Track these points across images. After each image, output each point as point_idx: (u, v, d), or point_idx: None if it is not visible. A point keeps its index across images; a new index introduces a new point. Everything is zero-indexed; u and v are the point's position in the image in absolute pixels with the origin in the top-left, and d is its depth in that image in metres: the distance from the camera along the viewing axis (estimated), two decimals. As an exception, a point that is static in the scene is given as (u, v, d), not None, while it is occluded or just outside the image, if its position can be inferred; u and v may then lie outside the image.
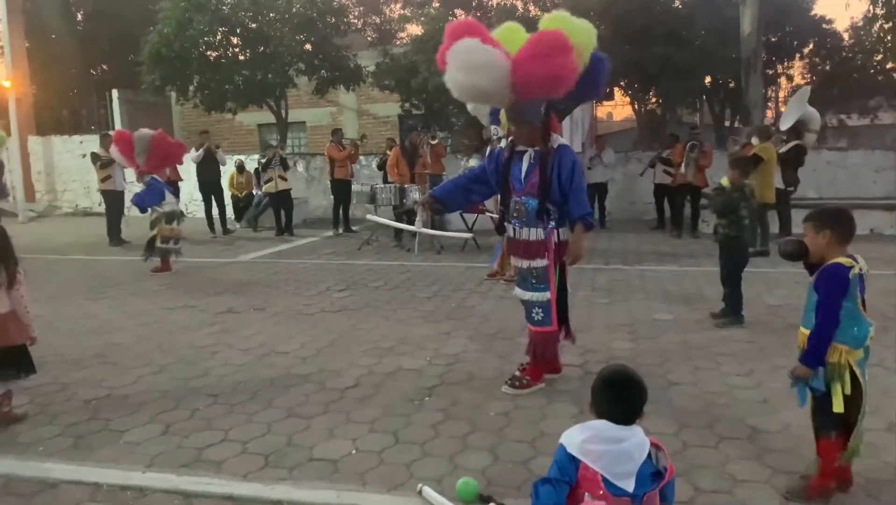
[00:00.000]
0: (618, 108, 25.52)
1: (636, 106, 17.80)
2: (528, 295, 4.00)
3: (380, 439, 3.43)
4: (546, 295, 3.94)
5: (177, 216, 8.27)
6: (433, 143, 11.13)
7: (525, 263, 3.99)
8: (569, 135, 9.46)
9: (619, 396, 2.11)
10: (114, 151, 8.64)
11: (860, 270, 2.65)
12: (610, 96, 16.71)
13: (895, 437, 3.32)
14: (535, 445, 3.34)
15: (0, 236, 3.69)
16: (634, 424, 2.10)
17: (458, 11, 16.68)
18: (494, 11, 15.84)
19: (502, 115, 6.38)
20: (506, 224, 4.07)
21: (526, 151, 3.96)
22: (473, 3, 17.60)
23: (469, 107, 5.27)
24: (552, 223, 3.90)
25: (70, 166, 16.04)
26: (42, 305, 4.02)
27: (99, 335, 5.45)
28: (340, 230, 11.60)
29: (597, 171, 11.55)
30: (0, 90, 16.37)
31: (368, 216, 8.82)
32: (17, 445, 3.44)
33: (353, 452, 3.31)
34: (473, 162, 11.08)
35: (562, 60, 3.57)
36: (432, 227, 9.14)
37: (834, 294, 2.62)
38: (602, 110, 24.15)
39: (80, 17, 21.30)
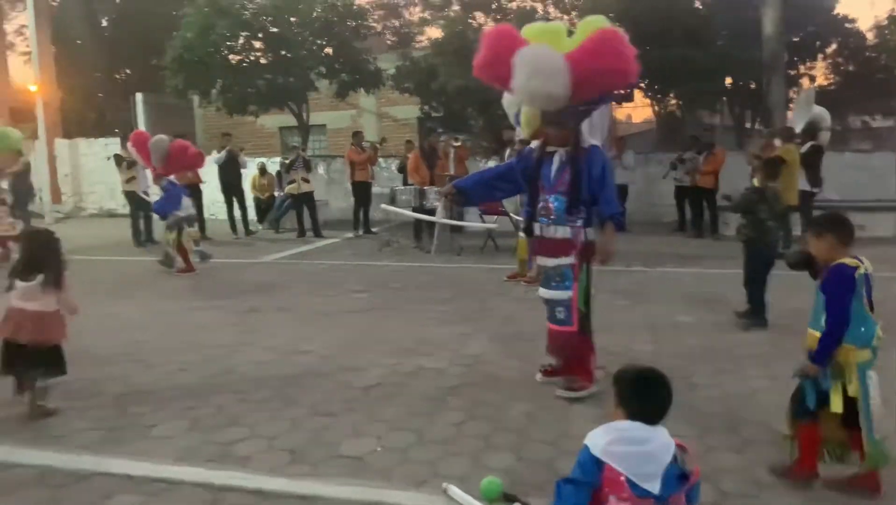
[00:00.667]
0: (637, 110, 25.35)
1: (656, 108, 17.68)
2: (550, 294, 4.01)
3: (403, 437, 3.47)
4: (568, 293, 3.94)
5: (192, 220, 8.52)
6: (456, 145, 11.11)
7: (551, 262, 4.00)
8: (586, 136, 9.44)
9: (648, 394, 2.12)
10: (130, 148, 8.94)
11: (865, 269, 2.75)
12: (629, 98, 16.59)
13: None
14: (559, 445, 3.35)
15: (51, 240, 3.78)
16: (660, 425, 2.10)
17: (477, 14, 16.69)
18: (514, 14, 15.84)
19: (523, 116, 6.37)
20: (533, 224, 4.07)
21: (556, 151, 3.99)
22: (493, 6, 17.59)
23: (504, 104, 5.26)
24: (580, 222, 3.92)
25: (95, 168, 16.29)
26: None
27: (125, 333, 5.55)
28: (361, 232, 11.68)
29: (616, 173, 11.45)
30: (28, 94, 16.77)
31: (382, 206, 8.84)
32: (50, 439, 3.52)
33: (378, 449, 3.35)
34: (492, 164, 11.07)
35: (629, 52, 3.70)
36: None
37: (841, 293, 2.71)
38: (621, 112, 24.04)
39: (104, 23, 21.65)
